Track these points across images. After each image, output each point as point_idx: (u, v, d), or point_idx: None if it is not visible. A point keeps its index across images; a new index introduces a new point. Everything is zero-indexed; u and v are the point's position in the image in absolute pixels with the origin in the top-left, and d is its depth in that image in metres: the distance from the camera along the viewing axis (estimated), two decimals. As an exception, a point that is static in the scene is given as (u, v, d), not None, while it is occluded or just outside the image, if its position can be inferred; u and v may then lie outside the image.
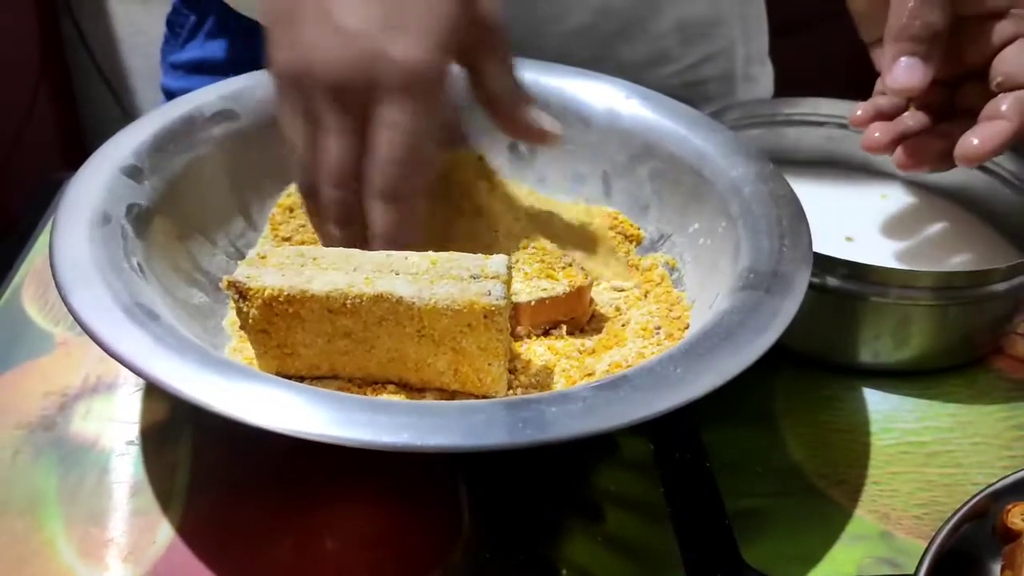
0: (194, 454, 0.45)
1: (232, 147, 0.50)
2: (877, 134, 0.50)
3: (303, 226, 0.50)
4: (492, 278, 0.39)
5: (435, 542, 0.41)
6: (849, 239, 0.56)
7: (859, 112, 0.51)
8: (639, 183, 0.53)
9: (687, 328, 0.46)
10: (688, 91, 0.67)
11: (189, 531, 0.41)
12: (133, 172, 0.46)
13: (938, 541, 0.37)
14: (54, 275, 0.39)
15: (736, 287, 0.42)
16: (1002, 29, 0.46)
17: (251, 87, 0.52)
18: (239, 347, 0.45)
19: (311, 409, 0.35)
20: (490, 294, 0.39)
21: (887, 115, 0.51)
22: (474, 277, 0.39)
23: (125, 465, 0.44)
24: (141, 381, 0.49)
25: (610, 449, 0.46)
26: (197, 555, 0.40)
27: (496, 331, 0.39)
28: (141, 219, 0.44)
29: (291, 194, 0.51)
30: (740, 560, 0.41)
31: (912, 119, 0.50)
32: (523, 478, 0.45)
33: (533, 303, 0.45)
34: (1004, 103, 0.45)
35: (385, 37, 0.39)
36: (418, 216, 0.42)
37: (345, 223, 0.42)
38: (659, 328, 0.46)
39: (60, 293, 0.39)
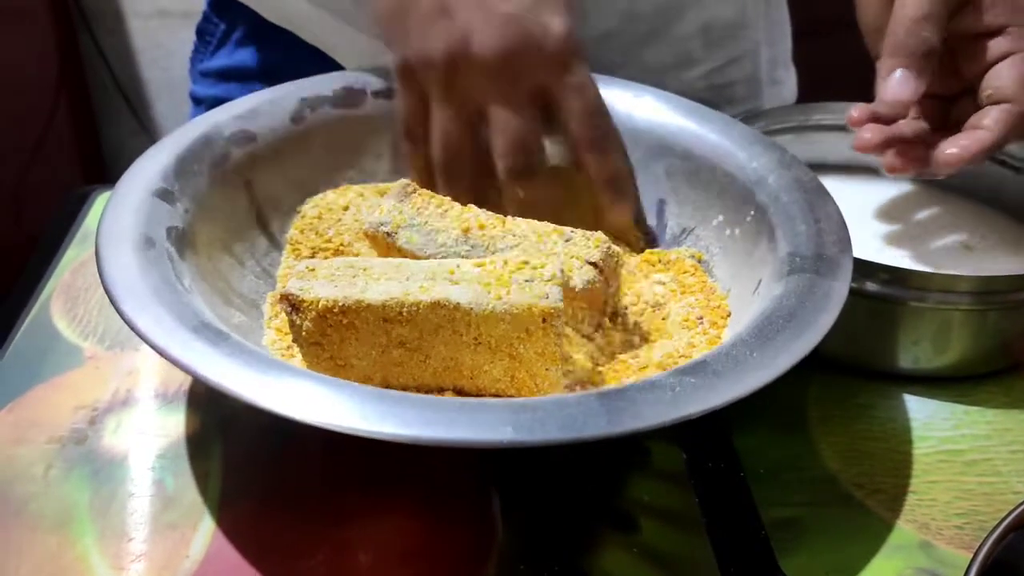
0: (225, 467, 0.45)
1: (249, 166, 0.50)
2: (868, 134, 0.50)
3: (327, 242, 0.50)
4: (548, 281, 0.39)
5: (468, 554, 0.41)
6: (884, 244, 0.55)
7: (855, 113, 0.51)
8: (655, 180, 0.53)
9: (728, 316, 0.46)
10: (713, 94, 0.67)
11: (222, 545, 0.41)
12: (165, 195, 0.46)
13: (983, 551, 0.36)
14: (115, 305, 0.39)
15: (783, 272, 0.43)
16: (997, 45, 0.47)
17: (263, 105, 0.52)
18: None
19: (413, 415, 0.34)
20: (548, 297, 0.39)
21: (883, 121, 0.51)
22: (528, 281, 0.39)
23: (156, 479, 0.44)
24: (170, 394, 0.49)
25: (643, 459, 0.46)
26: (230, 569, 0.40)
27: (554, 335, 0.39)
28: (181, 242, 0.44)
29: (305, 215, 0.51)
30: (778, 571, 0.41)
31: (907, 127, 0.51)
32: (556, 489, 0.44)
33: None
34: (988, 116, 0.47)
35: (536, 14, 0.44)
36: (625, 158, 0.49)
37: (525, 185, 0.47)
38: (701, 318, 0.46)
39: (126, 321, 0.38)
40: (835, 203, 0.46)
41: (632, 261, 0.50)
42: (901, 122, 0.51)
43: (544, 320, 0.39)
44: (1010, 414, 0.49)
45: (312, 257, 0.50)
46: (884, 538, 0.42)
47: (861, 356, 0.51)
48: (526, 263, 0.40)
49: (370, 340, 0.40)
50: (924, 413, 0.49)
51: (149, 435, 0.46)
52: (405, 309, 0.39)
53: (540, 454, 0.45)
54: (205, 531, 0.42)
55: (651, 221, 0.53)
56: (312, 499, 0.43)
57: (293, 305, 0.40)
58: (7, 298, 0.55)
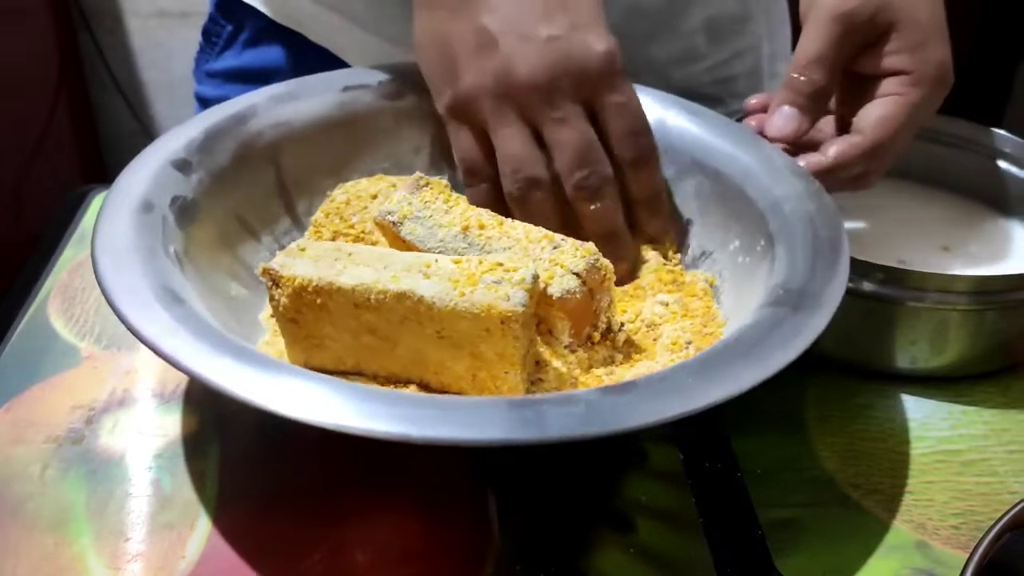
0: (221, 467, 0.45)
1: (281, 148, 0.51)
2: (754, 123, 0.53)
3: (349, 227, 0.50)
4: (515, 284, 0.39)
5: (465, 554, 0.41)
6: (864, 245, 0.55)
7: (753, 100, 0.54)
8: (685, 199, 0.52)
9: None
10: (717, 88, 0.67)
11: (218, 545, 0.41)
12: (182, 165, 0.47)
13: (980, 551, 0.36)
14: (92, 255, 0.41)
15: (764, 303, 0.42)
16: (885, 86, 0.50)
17: (303, 89, 0.53)
18: (272, 341, 0.45)
19: (316, 393, 0.35)
20: (509, 300, 0.38)
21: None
22: (497, 283, 0.39)
23: (153, 478, 0.44)
24: (167, 394, 0.49)
25: (640, 459, 0.46)
26: (227, 569, 0.40)
27: (513, 338, 0.39)
28: (184, 210, 0.45)
29: (334, 199, 0.51)
30: (775, 571, 0.41)
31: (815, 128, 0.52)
32: (553, 489, 0.44)
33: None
34: (835, 144, 0.49)
35: (577, 35, 0.45)
36: (663, 179, 0.49)
37: (598, 198, 0.46)
38: (689, 343, 0.45)
39: (95, 273, 0.40)
40: (846, 242, 0.45)
41: (645, 279, 0.50)
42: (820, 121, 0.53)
43: (503, 322, 0.39)
44: (1008, 414, 0.49)
45: (333, 240, 0.50)
46: (881, 538, 0.42)
47: (858, 356, 0.51)
48: (499, 264, 0.40)
49: (342, 323, 0.41)
50: (921, 413, 0.49)
51: (146, 435, 0.46)
52: (373, 296, 0.40)
53: (535, 454, 0.45)
54: (202, 531, 0.42)
55: (676, 240, 0.52)
56: (309, 499, 0.43)
57: (273, 280, 0.41)
58: (4, 298, 0.55)
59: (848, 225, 0.54)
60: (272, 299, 0.41)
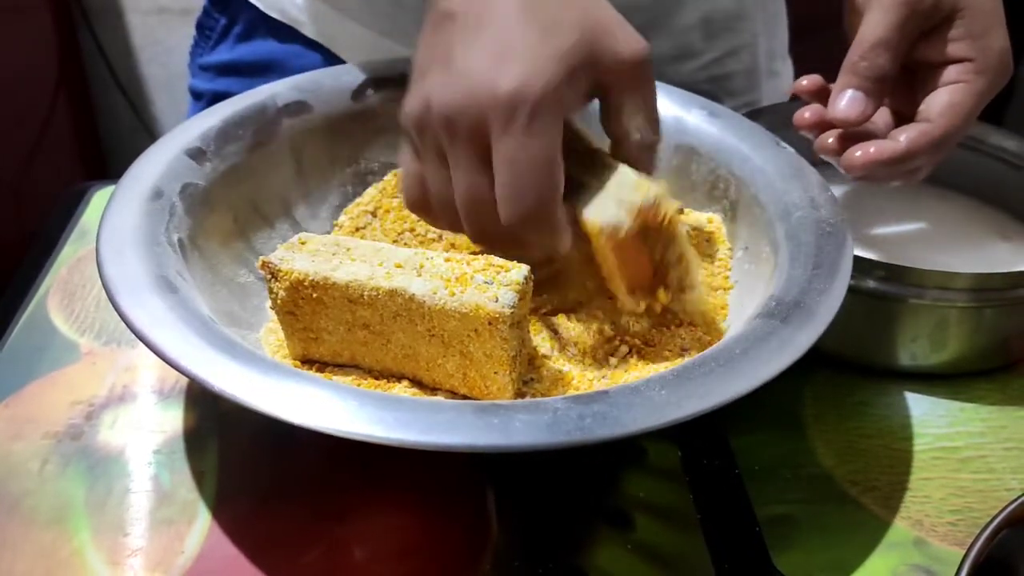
0: (221, 463, 0.45)
1: (301, 137, 0.52)
2: (808, 114, 0.51)
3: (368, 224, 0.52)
4: (505, 285, 0.39)
5: (464, 551, 0.41)
6: (878, 243, 0.55)
7: (807, 114, 0.51)
8: (707, 200, 0.52)
9: None
10: (712, 86, 0.67)
11: (217, 540, 0.41)
12: (196, 154, 0.47)
13: (976, 548, 0.36)
14: (96, 242, 0.42)
15: (755, 314, 0.41)
16: (948, 74, 0.48)
17: (326, 80, 0.54)
18: (275, 328, 0.46)
19: (281, 388, 0.36)
20: (497, 300, 0.38)
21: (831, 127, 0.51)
22: (488, 283, 0.39)
23: (152, 474, 0.44)
24: (166, 390, 0.49)
25: (638, 456, 0.46)
26: (225, 565, 0.40)
27: (500, 339, 0.39)
28: (195, 198, 0.46)
29: (359, 203, 0.53)
30: (772, 568, 0.41)
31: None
32: (552, 486, 0.44)
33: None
34: (904, 132, 0.48)
35: (493, 70, 0.39)
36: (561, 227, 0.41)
37: (488, 247, 0.42)
38: (685, 350, 0.45)
39: (97, 260, 0.41)
40: (849, 255, 0.44)
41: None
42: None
43: (490, 323, 0.39)
44: (1005, 411, 0.49)
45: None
46: (878, 535, 0.42)
47: (858, 353, 0.51)
48: (492, 264, 0.40)
49: (337, 317, 0.42)
50: (919, 410, 0.49)
51: (145, 431, 0.47)
52: (366, 292, 0.40)
53: (533, 451, 0.45)
54: (200, 527, 0.42)
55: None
56: (308, 495, 0.43)
57: (272, 273, 0.41)
58: (4, 294, 0.55)
59: (852, 222, 0.54)
60: (271, 292, 0.42)
